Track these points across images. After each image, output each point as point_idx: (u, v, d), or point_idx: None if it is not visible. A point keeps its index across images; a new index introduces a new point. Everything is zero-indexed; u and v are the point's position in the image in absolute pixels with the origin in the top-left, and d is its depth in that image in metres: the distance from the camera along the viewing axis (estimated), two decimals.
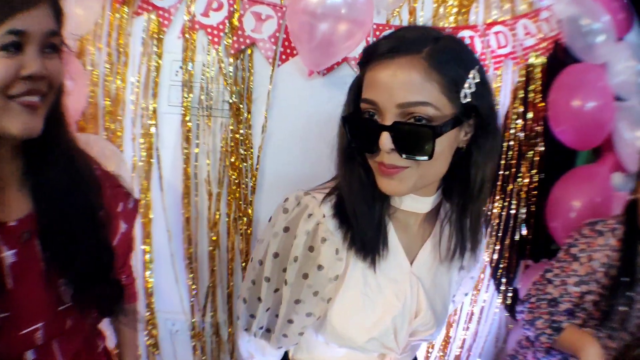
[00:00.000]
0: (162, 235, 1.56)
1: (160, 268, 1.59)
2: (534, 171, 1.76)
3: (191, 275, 1.58)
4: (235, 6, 1.45)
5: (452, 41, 0.78)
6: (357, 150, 0.79)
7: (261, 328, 0.92)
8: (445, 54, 0.73)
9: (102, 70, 1.51)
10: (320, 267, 0.83)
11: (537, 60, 1.74)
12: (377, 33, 1.49)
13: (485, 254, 1.77)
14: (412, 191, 0.79)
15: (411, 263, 0.89)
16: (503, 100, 1.71)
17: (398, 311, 0.87)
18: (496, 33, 1.66)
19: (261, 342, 0.95)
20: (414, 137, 0.72)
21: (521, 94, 1.73)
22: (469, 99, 0.74)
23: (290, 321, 0.87)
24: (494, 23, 1.67)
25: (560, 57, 1.79)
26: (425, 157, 0.72)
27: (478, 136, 0.79)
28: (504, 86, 1.71)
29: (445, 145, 0.75)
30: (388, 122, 0.72)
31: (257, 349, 0.99)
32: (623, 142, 1.75)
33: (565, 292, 1.37)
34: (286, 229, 0.84)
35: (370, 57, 0.76)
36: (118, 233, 0.96)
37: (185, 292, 1.60)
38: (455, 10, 1.59)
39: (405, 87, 0.71)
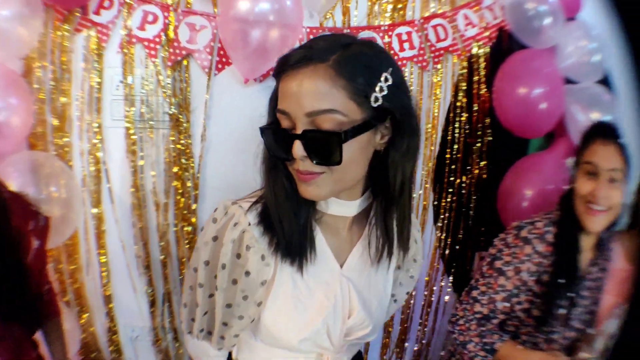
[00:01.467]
0: (117, 245, 1.61)
1: (117, 277, 1.64)
2: (483, 163, 1.78)
3: (148, 283, 1.63)
4: (170, 18, 1.48)
5: (364, 46, 0.79)
6: (275, 159, 0.82)
7: (202, 331, 0.96)
8: (353, 59, 0.75)
9: (48, 88, 1.55)
10: (247, 273, 0.86)
11: (480, 50, 1.74)
12: (311, 36, 1.51)
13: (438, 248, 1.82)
14: (331, 195, 0.82)
15: (342, 266, 0.92)
16: (444, 95, 1.73)
17: (328, 312, 0.90)
18: (434, 26, 1.67)
19: (203, 343, 0.99)
20: (322, 144, 0.74)
21: (464, 86, 1.74)
22: (380, 102, 0.75)
23: (225, 324, 0.91)
24: (432, 16, 1.68)
25: (505, 45, 1.79)
26: (335, 163, 0.74)
27: (395, 136, 0.81)
28: (445, 80, 1.72)
29: (356, 149, 0.76)
30: (299, 130, 0.74)
31: (201, 352, 1.04)
32: (576, 125, 1.72)
33: (494, 307, 1.30)
34: (215, 238, 0.87)
35: (282, 67, 0.77)
36: (31, 250, 1.00)
37: (142, 299, 1.65)
38: (390, 7, 1.61)
39: (311, 95, 0.73)
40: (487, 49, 1.75)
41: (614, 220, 1.29)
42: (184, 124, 1.52)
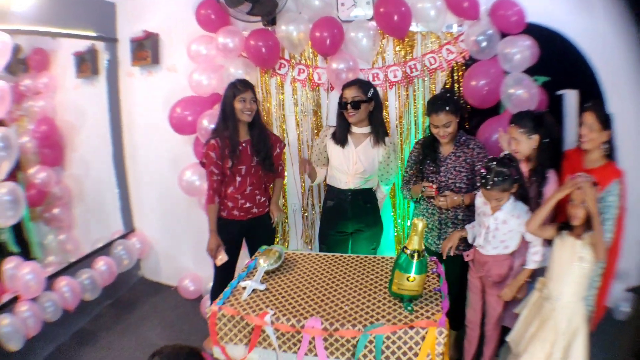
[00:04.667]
0: (295, 157, 3.74)
1: (291, 174, 3.85)
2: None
3: (302, 179, 3.78)
4: (310, 70, 3.55)
5: (365, 81, 2.92)
6: (341, 109, 2.94)
7: (315, 162, 3.14)
8: (363, 84, 2.87)
9: (259, 98, 3.64)
10: (325, 144, 3.04)
11: (457, 65, 3.39)
12: (366, 72, 3.46)
13: None
14: (356, 122, 2.92)
15: (356, 147, 2.98)
16: (438, 91, 3.46)
17: (348, 159, 2.97)
18: (429, 58, 3.43)
19: (317, 167, 3.16)
20: (354, 104, 2.86)
21: (448, 86, 3.44)
22: (369, 95, 2.87)
23: (318, 159, 3.10)
24: (427, 53, 3.39)
25: (474, 60, 3.32)
26: (357, 110, 2.85)
27: (375, 105, 2.90)
28: (437, 85, 3.45)
29: (363, 108, 2.87)
30: (349, 101, 2.87)
31: (315, 172, 3.17)
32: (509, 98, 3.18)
33: (411, 173, 2.93)
34: (319, 134, 3.09)
35: (344, 86, 2.90)
36: (275, 151, 3.12)
37: (299, 186, 3.77)
38: (403, 52, 3.46)
39: (352, 92, 2.86)
40: (461, 64, 3.34)
41: (453, 136, 2.72)
42: (318, 113, 3.60)
